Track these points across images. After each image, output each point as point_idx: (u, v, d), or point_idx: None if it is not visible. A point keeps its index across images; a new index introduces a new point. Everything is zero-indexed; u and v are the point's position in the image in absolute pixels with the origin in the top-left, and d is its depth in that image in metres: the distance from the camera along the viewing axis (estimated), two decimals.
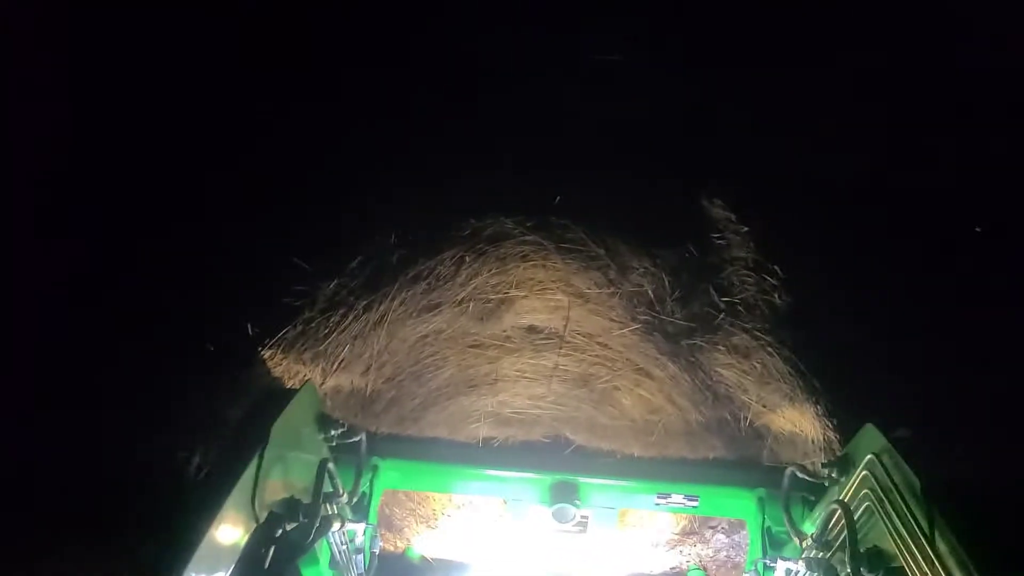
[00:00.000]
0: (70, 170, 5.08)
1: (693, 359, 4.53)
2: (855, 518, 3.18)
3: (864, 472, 3.22)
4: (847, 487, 3.38)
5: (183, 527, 2.50)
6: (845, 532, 3.18)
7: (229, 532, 2.71)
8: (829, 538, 3.45)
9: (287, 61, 5.28)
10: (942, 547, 2.65)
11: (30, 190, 4.98)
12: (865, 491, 3.20)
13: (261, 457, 2.88)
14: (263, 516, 2.96)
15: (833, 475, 3.51)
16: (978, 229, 4.60)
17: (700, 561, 5.12)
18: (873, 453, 3.17)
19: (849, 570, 2.99)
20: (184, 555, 2.38)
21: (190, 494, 2.77)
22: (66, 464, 4.40)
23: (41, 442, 4.43)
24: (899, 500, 2.91)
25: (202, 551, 2.45)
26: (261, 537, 2.94)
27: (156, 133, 5.18)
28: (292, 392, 3.31)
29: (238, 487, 2.75)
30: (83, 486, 4.38)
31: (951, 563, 2.59)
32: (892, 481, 3.00)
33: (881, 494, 3.05)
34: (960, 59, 5.24)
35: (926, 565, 2.69)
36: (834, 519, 3.37)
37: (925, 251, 4.80)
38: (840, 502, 3.22)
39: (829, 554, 3.42)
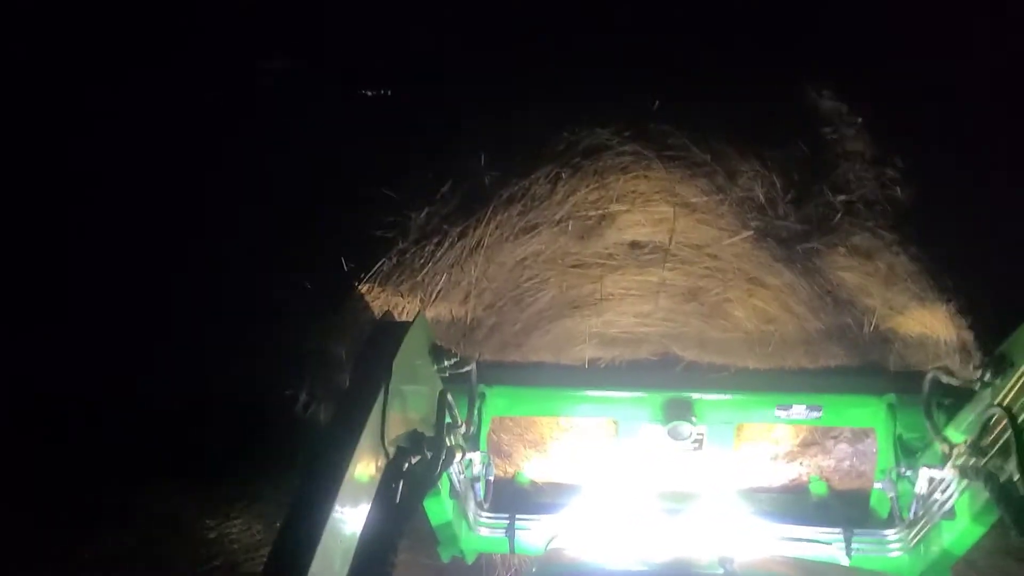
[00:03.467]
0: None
1: (811, 264, 4.28)
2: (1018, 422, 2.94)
3: None
4: (1005, 389, 3.13)
5: (325, 464, 2.44)
6: (1004, 437, 2.99)
7: (363, 468, 2.65)
8: (983, 444, 3.22)
9: None
10: None
11: None
12: None
13: (386, 392, 2.78)
14: (391, 452, 2.88)
15: (986, 378, 3.25)
16: None
17: (821, 472, 4.95)
18: None
19: (1018, 476, 2.79)
20: (330, 492, 2.32)
21: (322, 433, 2.71)
22: (171, 404, 4.50)
23: (147, 383, 4.53)
24: None
25: (344, 491, 2.38)
26: (391, 473, 2.88)
27: None
28: (406, 325, 3.18)
29: (368, 425, 2.67)
30: (190, 425, 4.49)
31: None
32: None
33: None
34: None
35: None
36: (993, 422, 3.13)
37: None
38: (1002, 406, 2.99)
39: (984, 460, 3.19)
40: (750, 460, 4.94)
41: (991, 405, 3.10)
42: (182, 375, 4.51)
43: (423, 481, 3.04)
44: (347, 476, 2.43)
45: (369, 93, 5.22)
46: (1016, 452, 2.81)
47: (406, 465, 2.98)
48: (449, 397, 3.41)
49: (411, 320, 3.30)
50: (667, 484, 4.90)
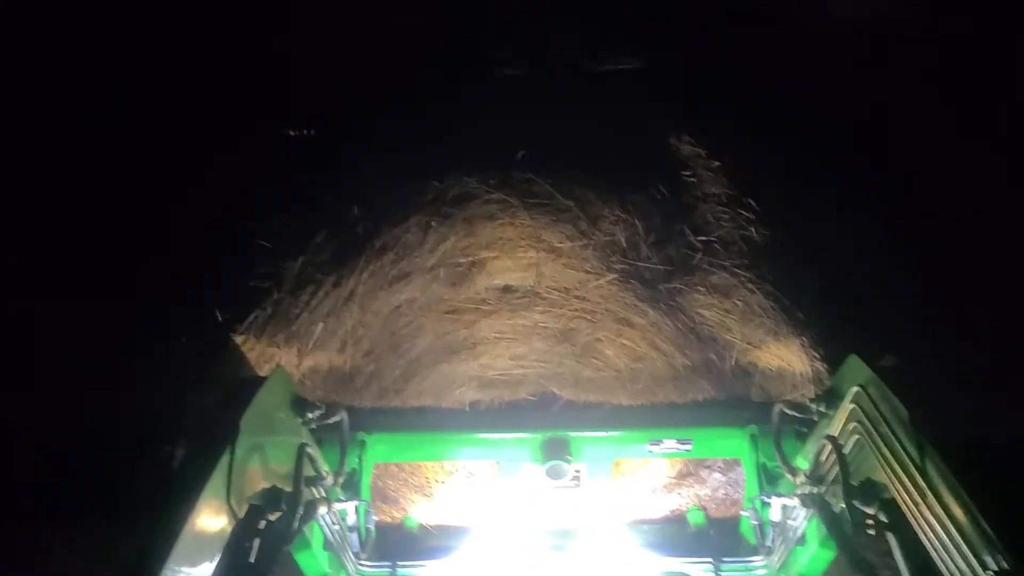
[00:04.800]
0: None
1: (673, 303, 4.47)
2: (846, 451, 3.13)
3: (852, 405, 3.15)
4: (835, 420, 3.32)
5: (158, 528, 2.42)
6: (836, 466, 3.15)
7: (208, 528, 2.64)
8: (822, 472, 3.40)
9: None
10: (933, 475, 2.60)
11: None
12: (854, 424, 3.14)
13: (232, 451, 2.78)
14: (243, 510, 2.88)
15: (821, 409, 3.45)
16: None
17: (699, 502, 5.10)
18: (859, 385, 3.10)
19: (843, 504, 2.95)
20: (160, 555, 2.31)
21: (163, 492, 2.69)
22: (37, 455, 4.38)
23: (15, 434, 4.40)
24: (887, 431, 2.85)
25: (180, 550, 2.37)
26: (243, 530, 2.87)
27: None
28: (262, 380, 3.20)
29: (212, 482, 2.67)
30: (55, 478, 4.36)
31: (943, 491, 2.54)
32: (879, 412, 2.93)
33: (869, 426, 2.99)
34: None
35: (917, 494, 2.64)
36: (825, 453, 3.32)
37: (909, 170, 4.73)
38: (829, 437, 3.17)
39: (823, 488, 3.37)
40: (630, 493, 5.06)
41: (824, 436, 3.28)
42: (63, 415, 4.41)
43: (280, 538, 3.03)
44: (183, 537, 2.41)
45: (292, 133, 5.22)
46: (842, 483, 2.97)
47: (262, 522, 2.99)
48: (310, 450, 3.41)
49: (266, 376, 3.31)
50: (551, 522, 4.98)
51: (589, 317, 4.48)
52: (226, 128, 5.19)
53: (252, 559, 2.86)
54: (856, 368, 3.22)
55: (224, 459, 2.77)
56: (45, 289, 4.60)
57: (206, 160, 5.10)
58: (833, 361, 4.27)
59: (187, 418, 4.06)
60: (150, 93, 5.27)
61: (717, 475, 5.07)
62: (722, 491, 5.10)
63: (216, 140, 5.17)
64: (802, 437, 4.04)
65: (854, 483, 2.98)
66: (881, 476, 2.92)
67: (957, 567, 2.43)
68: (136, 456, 4.10)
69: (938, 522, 2.55)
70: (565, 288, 4.44)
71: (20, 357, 4.43)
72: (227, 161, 5.08)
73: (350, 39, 5.33)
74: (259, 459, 3.10)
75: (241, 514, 2.87)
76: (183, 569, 2.42)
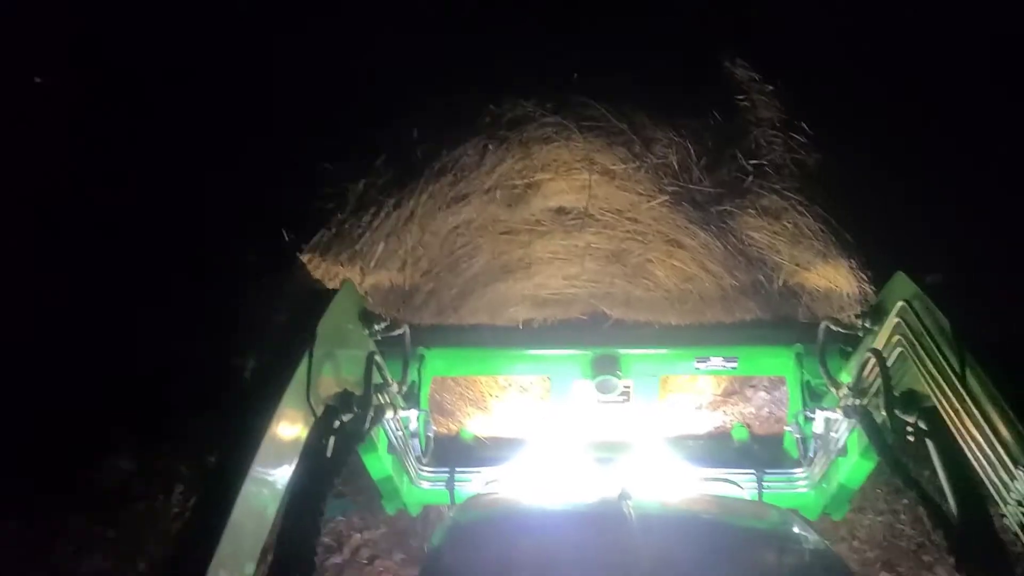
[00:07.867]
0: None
1: (724, 225, 4.55)
2: (888, 364, 3.24)
3: (896, 319, 3.25)
4: (879, 335, 3.43)
5: (244, 426, 2.65)
6: (879, 379, 3.28)
7: (288, 428, 2.86)
8: (864, 386, 3.52)
9: None
10: (973, 384, 2.71)
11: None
12: (897, 337, 3.25)
13: (310, 355, 3.00)
14: (319, 410, 3.11)
15: (866, 325, 3.55)
16: None
17: (743, 419, 5.28)
18: (904, 300, 3.20)
19: (884, 413, 3.09)
20: (248, 452, 2.53)
21: (247, 395, 2.92)
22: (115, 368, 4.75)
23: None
24: (930, 343, 2.96)
25: (265, 447, 2.60)
26: (320, 429, 3.11)
27: None
28: (332, 292, 3.41)
29: (292, 385, 2.89)
30: (134, 391, 4.73)
31: (982, 398, 2.65)
32: (923, 325, 3.03)
33: (913, 339, 3.10)
34: None
35: (957, 402, 2.76)
36: (868, 367, 3.44)
37: (956, 92, 4.70)
38: (873, 349, 3.28)
39: (865, 400, 3.50)
40: (677, 410, 5.26)
41: (868, 349, 3.40)
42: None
43: (353, 436, 3.29)
44: (268, 435, 2.64)
45: None
46: (884, 393, 3.10)
47: (337, 422, 3.23)
48: (378, 358, 3.64)
49: (337, 288, 3.52)
50: (599, 435, 5.21)
51: (640, 239, 4.61)
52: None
53: (328, 455, 3.13)
54: (902, 284, 3.31)
55: (303, 364, 2.99)
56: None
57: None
58: (880, 283, 4.36)
59: (264, 330, 4.32)
60: None
61: (762, 394, 5.23)
62: (766, 409, 5.27)
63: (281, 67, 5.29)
64: (846, 354, 4.16)
65: (896, 394, 3.11)
66: (923, 387, 3.03)
67: (995, 472, 2.56)
68: (218, 364, 4.41)
69: (977, 430, 2.66)
70: (617, 210, 4.56)
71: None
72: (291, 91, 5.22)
73: None
74: (331, 366, 3.32)
75: (318, 415, 3.12)
76: (270, 462, 2.66)
